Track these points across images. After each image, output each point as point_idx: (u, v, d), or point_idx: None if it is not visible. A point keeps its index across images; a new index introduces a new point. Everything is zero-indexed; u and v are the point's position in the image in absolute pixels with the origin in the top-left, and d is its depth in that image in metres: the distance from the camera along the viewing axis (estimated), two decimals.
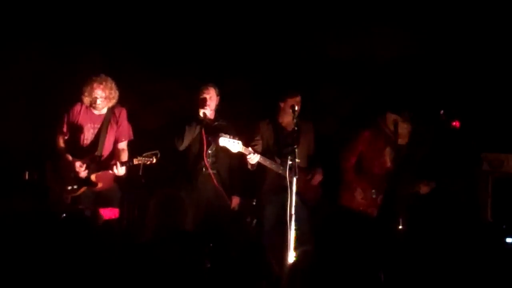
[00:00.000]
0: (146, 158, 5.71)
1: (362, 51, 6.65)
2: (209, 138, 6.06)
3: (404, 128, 6.11)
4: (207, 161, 6.05)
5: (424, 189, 6.21)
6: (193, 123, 6.03)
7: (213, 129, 6.05)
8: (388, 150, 6.17)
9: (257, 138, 6.20)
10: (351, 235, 2.69)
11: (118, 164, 5.74)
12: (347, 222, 2.74)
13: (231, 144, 5.72)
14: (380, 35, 6.58)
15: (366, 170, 6.22)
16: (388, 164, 6.17)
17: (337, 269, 2.66)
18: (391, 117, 6.13)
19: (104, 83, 5.84)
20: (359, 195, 6.14)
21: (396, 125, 6.03)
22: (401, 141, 6.15)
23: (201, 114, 6.05)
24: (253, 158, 5.84)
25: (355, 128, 6.35)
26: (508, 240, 6.36)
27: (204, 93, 6.07)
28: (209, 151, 6.08)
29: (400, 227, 5.50)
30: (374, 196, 6.08)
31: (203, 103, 6.05)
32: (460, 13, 6.64)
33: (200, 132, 6.06)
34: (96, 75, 5.86)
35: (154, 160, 5.71)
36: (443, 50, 6.77)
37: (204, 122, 6.04)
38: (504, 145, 6.80)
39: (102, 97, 5.85)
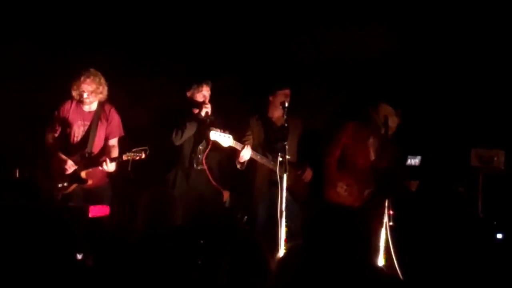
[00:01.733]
0: (135, 154, 5.70)
1: (351, 46, 6.65)
2: (200, 133, 6.04)
3: (393, 122, 6.12)
4: (202, 156, 6.03)
5: (413, 186, 6.22)
6: (194, 121, 6.00)
7: (204, 124, 6.03)
8: (371, 141, 6.16)
9: (248, 133, 6.19)
10: (337, 230, 2.70)
11: (108, 160, 5.74)
12: (332, 218, 2.75)
13: (222, 138, 5.72)
14: (369, 30, 6.59)
15: (350, 163, 6.19)
16: (373, 156, 6.17)
17: (325, 264, 2.67)
18: (384, 108, 6.12)
19: (92, 77, 5.84)
20: (343, 190, 6.12)
21: (387, 117, 6.02)
22: (389, 132, 6.15)
23: (203, 113, 5.98)
24: (246, 153, 5.84)
25: (338, 121, 6.36)
26: (499, 236, 6.39)
27: (204, 89, 6.04)
28: (200, 147, 6.06)
29: (391, 223, 5.51)
30: (365, 194, 6.06)
31: (204, 101, 6.02)
32: (447, 8, 6.66)
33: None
34: (85, 69, 5.86)
35: (143, 156, 5.70)
36: (432, 45, 6.78)
37: (207, 121, 5.98)
38: (493, 141, 6.82)
39: (88, 91, 5.84)
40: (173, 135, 5.96)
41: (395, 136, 6.21)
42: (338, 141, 6.20)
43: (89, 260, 4.04)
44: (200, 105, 6.01)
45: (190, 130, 6.00)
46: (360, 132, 6.17)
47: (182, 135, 5.97)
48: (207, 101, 6.02)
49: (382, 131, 6.05)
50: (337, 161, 6.20)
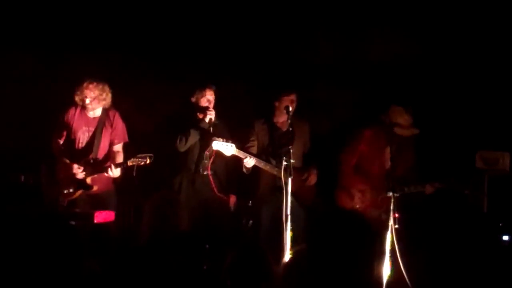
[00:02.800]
0: (140, 159, 5.70)
1: (357, 50, 6.65)
2: (205, 139, 6.05)
3: (406, 120, 6.11)
4: (208, 162, 6.03)
5: (429, 190, 6.20)
6: (197, 127, 6.00)
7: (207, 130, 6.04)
8: (388, 150, 6.15)
9: (252, 139, 6.20)
10: (346, 236, 2.69)
11: (113, 166, 5.75)
12: (342, 223, 2.74)
13: (224, 147, 5.72)
14: (375, 34, 6.59)
15: (364, 170, 6.20)
16: (388, 164, 6.16)
17: (331, 268, 2.66)
18: (395, 109, 6.12)
19: (95, 83, 5.87)
20: (358, 197, 6.12)
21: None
22: (402, 131, 6.15)
23: (206, 119, 5.99)
24: (249, 162, 5.85)
25: (355, 128, 6.34)
26: (504, 237, 6.37)
27: (208, 94, 6.04)
28: (207, 153, 6.06)
29: (396, 226, 5.48)
30: (379, 199, 6.03)
31: (207, 107, 6.01)
32: (451, 11, 6.65)
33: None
34: (88, 76, 5.88)
35: (148, 161, 5.70)
36: (438, 48, 6.77)
37: (210, 127, 5.99)
38: (499, 143, 6.80)
39: (91, 97, 5.87)
40: (178, 142, 5.98)
41: (413, 140, 6.21)
42: (355, 149, 6.20)
43: (96, 266, 4.04)
44: (204, 110, 6.01)
45: (194, 136, 6.00)
46: (377, 139, 6.16)
47: (186, 142, 5.98)
48: (211, 106, 6.02)
49: (398, 132, 6.06)
50: (353, 168, 6.20)
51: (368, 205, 6.08)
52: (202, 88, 6.05)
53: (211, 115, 5.98)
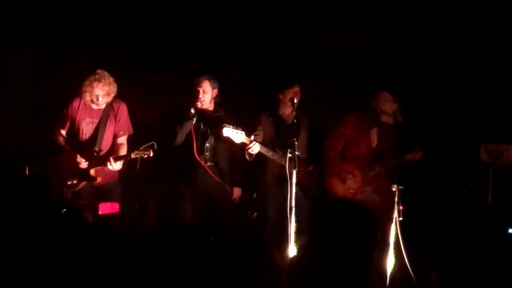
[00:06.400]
0: (143, 152, 5.70)
1: (360, 42, 6.64)
2: (208, 130, 6.05)
3: (391, 108, 6.11)
4: (200, 156, 6.03)
5: (417, 155, 6.19)
6: (183, 118, 6.01)
7: (213, 121, 6.04)
8: (375, 130, 6.15)
9: (259, 129, 6.21)
10: (342, 225, 2.69)
11: (111, 159, 5.75)
12: (337, 213, 2.74)
13: (235, 134, 5.73)
14: (376, 25, 6.57)
15: (351, 153, 6.17)
16: (375, 143, 6.16)
17: (333, 259, 2.66)
18: (383, 94, 6.11)
19: (103, 80, 5.85)
20: (349, 179, 6.11)
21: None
22: (386, 119, 6.14)
23: (192, 109, 6.01)
24: (254, 148, 5.84)
25: (338, 115, 6.34)
26: (510, 230, 6.36)
27: (196, 86, 6.04)
28: (207, 144, 6.07)
29: (400, 218, 5.48)
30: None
31: (195, 97, 6.03)
32: (453, 5, 6.64)
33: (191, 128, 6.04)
34: (93, 73, 5.86)
35: (151, 154, 5.70)
36: (441, 39, 6.75)
37: (195, 116, 6.01)
38: (503, 136, 6.78)
39: (103, 94, 5.86)
40: (171, 138, 5.99)
41: (399, 126, 6.20)
42: (340, 134, 6.18)
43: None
44: (194, 100, 6.02)
45: (182, 129, 6.00)
46: (362, 123, 6.15)
47: (175, 136, 5.99)
48: (199, 96, 5.99)
49: (382, 119, 6.06)
50: (339, 154, 6.19)
51: (360, 184, 6.08)
52: (195, 79, 6.06)
53: (196, 104, 5.97)
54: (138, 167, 5.76)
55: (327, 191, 6.16)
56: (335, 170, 6.17)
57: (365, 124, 6.13)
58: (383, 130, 6.14)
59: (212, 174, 6.05)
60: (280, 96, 6.22)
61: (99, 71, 5.88)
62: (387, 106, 6.09)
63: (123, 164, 5.87)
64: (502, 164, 6.75)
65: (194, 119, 6.03)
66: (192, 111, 5.99)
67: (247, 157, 5.95)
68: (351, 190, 6.05)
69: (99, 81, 5.84)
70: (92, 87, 5.83)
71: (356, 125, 6.15)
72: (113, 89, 5.93)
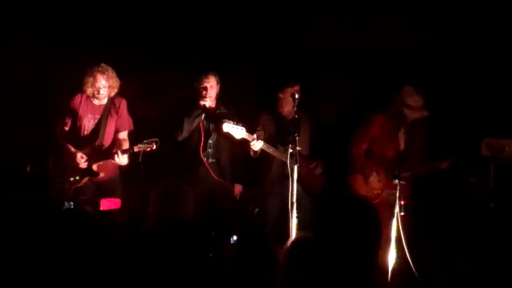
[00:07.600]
0: (146, 145, 5.71)
1: (361, 39, 6.63)
2: (210, 127, 6.07)
3: (416, 101, 6.09)
4: (203, 153, 6.04)
5: (444, 165, 6.18)
6: (192, 115, 6.02)
7: (215, 117, 6.05)
8: (402, 132, 6.14)
9: (259, 128, 6.22)
10: (348, 221, 2.69)
11: (119, 152, 5.75)
12: (343, 209, 2.74)
13: (235, 130, 5.74)
14: (380, 23, 6.57)
15: (378, 154, 6.15)
16: (402, 146, 6.15)
17: (334, 256, 2.66)
18: (407, 89, 6.10)
19: (106, 72, 5.87)
20: (372, 178, 6.10)
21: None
22: (411, 114, 6.14)
23: (201, 105, 6.03)
24: (256, 145, 5.85)
25: (366, 113, 6.31)
26: None
27: (204, 82, 6.06)
28: (210, 141, 6.09)
29: (402, 213, 5.48)
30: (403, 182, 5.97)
31: (203, 93, 6.04)
32: (453, 2, 6.63)
33: (199, 124, 6.06)
34: (97, 65, 5.86)
35: (154, 147, 5.72)
36: (444, 36, 6.74)
37: (203, 113, 6.02)
38: (505, 130, 6.78)
39: (105, 87, 5.86)
40: (175, 131, 6.02)
41: (424, 122, 6.18)
42: (366, 133, 6.15)
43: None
44: (200, 97, 6.02)
45: (188, 124, 6.02)
46: (389, 124, 6.13)
47: (182, 131, 6.01)
48: (207, 93, 6.01)
49: (409, 116, 6.04)
50: (365, 152, 6.18)
51: (384, 187, 6.07)
52: (200, 75, 6.06)
53: (204, 102, 6.00)
54: (140, 160, 5.76)
55: (349, 187, 6.16)
56: (357, 168, 6.16)
57: (392, 126, 6.11)
58: (412, 129, 6.10)
59: (213, 174, 6.05)
60: (280, 95, 6.22)
61: (102, 64, 5.89)
62: (413, 100, 6.07)
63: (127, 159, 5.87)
64: (503, 159, 6.74)
65: (203, 116, 6.04)
66: (203, 104, 5.99)
67: (252, 154, 5.96)
68: (375, 192, 6.03)
69: (103, 73, 5.85)
70: (95, 78, 5.84)
71: (383, 126, 6.12)
72: (116, 83, 5.94)
